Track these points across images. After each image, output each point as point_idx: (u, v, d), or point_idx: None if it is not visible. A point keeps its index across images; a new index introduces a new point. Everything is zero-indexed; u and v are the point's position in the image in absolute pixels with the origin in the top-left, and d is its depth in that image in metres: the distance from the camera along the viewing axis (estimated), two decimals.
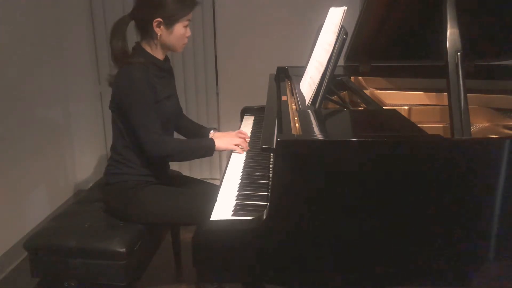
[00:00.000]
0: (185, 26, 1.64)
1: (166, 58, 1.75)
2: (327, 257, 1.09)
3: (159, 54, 1.68)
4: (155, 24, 1.59)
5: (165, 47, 1.67)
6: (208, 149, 1.67)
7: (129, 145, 1.67)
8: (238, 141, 1.72)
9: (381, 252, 1.08)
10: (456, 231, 1.07)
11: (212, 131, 1.95)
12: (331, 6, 1.59)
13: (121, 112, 1.63)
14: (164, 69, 1.71)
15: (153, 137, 1.58)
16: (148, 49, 1.66)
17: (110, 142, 3.11)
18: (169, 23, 1.60)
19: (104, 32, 2.92)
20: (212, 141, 1.69)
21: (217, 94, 3.01)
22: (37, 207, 2.52)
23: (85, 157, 3.06)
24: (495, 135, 1.38)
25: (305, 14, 2.70)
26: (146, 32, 1.64)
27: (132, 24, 1.67)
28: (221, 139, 1.73)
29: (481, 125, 1.49)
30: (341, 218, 1.06)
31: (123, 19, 1.65)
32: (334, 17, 1.44)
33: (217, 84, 3.00)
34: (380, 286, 1.11)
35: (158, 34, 1.61)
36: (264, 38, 2.82)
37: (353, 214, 1.06)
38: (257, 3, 2.79)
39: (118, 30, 1.63)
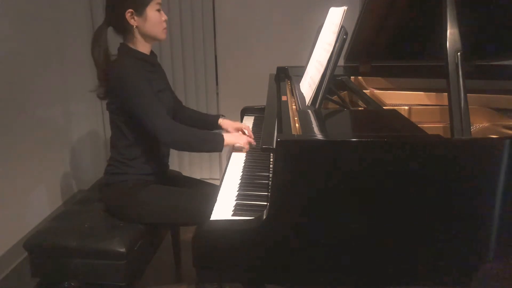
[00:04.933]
0: (158, 10, 1.64)
1: (153, 53, 1.76)
2: (327, 257, 1.09)
3: (144, 48, 1.68)
4: (128, 16, 1.60)
5: (147, 37, 1.66)
6: (218, 143, 1.64)
7: (130, 144, 1.67)
8: (246, 139, 1.72)
9: (381, 252, 1.08)
10: (456, 231, 1.07)
11: (220, 118, 1.95)
12: (331, 6, 1.59)
13: (121, 109, 1.62)
14: (153, 63, 1.72)
15: (164, 122, 1.57)
16: (132, 46, 1.66)
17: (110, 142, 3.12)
18: (140, 10, 1.60)
19: None
20: (221, 136, 1.66)
21: (217, 94, 3.01)
22: (37, 207, 2.52)
23: (85, 157, 3.06)
24: (495, 135, 1.38)
25: (305, 14, 2.70)
26: (124, 30, 1.64)
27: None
28: (230, 135, 1.72)
29: (481, 125, 1.49)
30: (341, 218, 1.06)
31: (101, 27, 1.66)
32: (334, 17, 1.45)
33: (217, 84, 3.00)
34: (380, 286, 1.12)
35: (134, 26, 1.62)
36: (264, 38, 2.82)
37: (353, 214, 1.06)
38: (257, 4, 2.79)
39: (98, 39, 1.65)
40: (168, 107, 1.74)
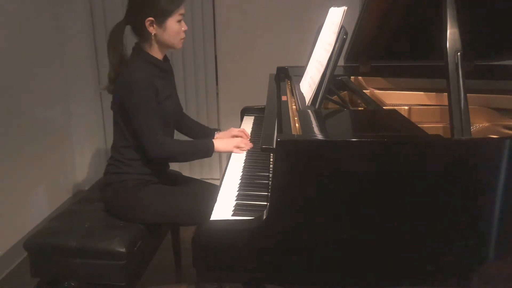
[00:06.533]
0: (179, 21, 1.63)
1: (166, 58, 1.75)
2: (327, 257, 1.09)
3: (158, 54, 1.68)
4: (147, 23, 1.59)
5: (162, 45, 1.66)
6: (207, 151, 1.68)
7: (130, 145, 1.67)
8: (238, 142, 1.72)
9: (381, 252, 1.08)
10: (456, 231, 1.07)
11: (216, 133, 1.96)
12: (331, 6, 1.59)
13: (123, 112, 1.63)
14: (164, 69, 1.71)
15: (154, 138, 1.58)
16: (147, 49, 1.66)
17: (110, 142, 3.12)
18: (161, 20, 1.59)
19: (104, 32, 2.91)
20: (211, 142, 1.69)
21: (217, 94, 3.01)
22: (37, 207, 2.52)
23: (85, 157, 3.06)
24: (495, 135, 1.38)
25: (305, 14, 2.70)
26: (141, 33, 1.63)
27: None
28: (220, 141, 1.73)
29: (481, 125, 1.49)
30: (341, 218, 1.06)
31: (119, 26, 1.65)
32: (334, 17, 1.44)
33: (217, 84, 3.00)
34: (380, 286, 1.12)
35: (153, 34, 1.61)
36: (264, 38, 2.82)
37: (353, 214, 1.06)
38: (257, 3, 2.79)
39: (114, 40, 1.63)
40: (171, 114, 1.74)
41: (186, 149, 1.68)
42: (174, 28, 1.62)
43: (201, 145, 1.70)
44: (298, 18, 2.73)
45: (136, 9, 1.61)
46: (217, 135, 1.95)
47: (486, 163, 1.04)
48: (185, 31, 1.67)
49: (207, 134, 1.97)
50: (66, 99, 2.86)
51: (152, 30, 1.60)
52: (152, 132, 1.58)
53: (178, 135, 1.90)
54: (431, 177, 1.03)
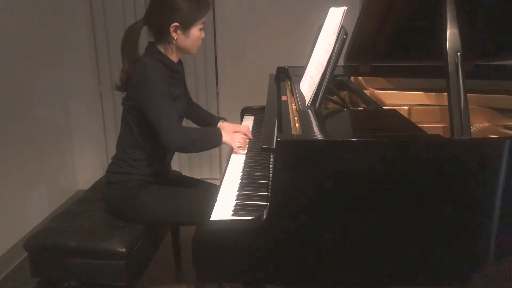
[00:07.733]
0: (200, 29, 1.64)
1: (180, 61, 1.75)
2: (327, 257, 1.09)
3: (174, 57, 1.67)
4: (171, 29, 1.58)
5: (180, 50, 1.66)
6: (217, 141, 1.69)
7: (137, 145, 1.66)
8: (241, 140, 1.73)
9: (381, 252, 1.08)
10: (456, 231, 1.07)
11: (220, 121, 1.98)
12: (331, 6, 1.59)
13: (135, 110, 1.62)
14: (176, 71, 1.70)
15: (174, 125, 1.57)
16: (163, 51, 1.65)
17: (110, 142, 3.12)
18: (186, 27, 1.60)
19: (104, 32, 2.92)
20: (220, 133, 1.70)
21: (217, 94, 3.02)
22: (37, 207, 2.52)
23: (85, 157, 3.06)
24: (495, 135, 1.38)
25: (305, 14, 2.70)
26: (161, 36, 1.62)
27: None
28: (227, 134, 1.74)
29: (481, 125, 1.49)
30: (341, 218, 1.06)
31: (135, 26, 1.63)
32: (334, 17, 1.45)
33: (217, 84, 3.00)
34: (380, 286, 1.12)
35: (175, 39, 1.61)
36: (264, 38, 2.82)
37: (353, 214, 1.06)
38: (257, 4, 2.79)
39: (130, 42, 1.61)
40: (180, 114, 1.74)
41: (199, 137, 1.68)
42: (196, 35, 1.63)
43: (211, 134, 1.70)
44: (298, 18, 2.74)
45: (161, 13, 1.59)
46: (221, 123, 1.96)
47: (486, 163, 1.04)
48: (202, 39, 1.67)
49: (213, 123, 1.99)
50: (66, 99, 2.87)
51: (175, 35, 1.60)
52: (170, 120, 1.56)
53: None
54: (431, 177, 1.03)
